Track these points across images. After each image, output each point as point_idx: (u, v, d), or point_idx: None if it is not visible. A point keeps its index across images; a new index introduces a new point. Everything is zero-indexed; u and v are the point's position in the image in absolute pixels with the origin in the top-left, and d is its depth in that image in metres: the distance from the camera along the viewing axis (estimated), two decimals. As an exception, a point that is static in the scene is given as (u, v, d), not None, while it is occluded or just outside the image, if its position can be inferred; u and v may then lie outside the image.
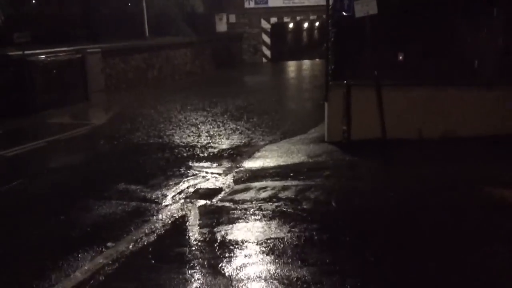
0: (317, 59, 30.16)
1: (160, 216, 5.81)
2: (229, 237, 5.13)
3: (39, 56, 13.14)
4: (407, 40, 7.93)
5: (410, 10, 7.77)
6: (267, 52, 28.61)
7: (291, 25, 32.86)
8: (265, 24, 28.19)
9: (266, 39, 28.45)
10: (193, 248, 4.92)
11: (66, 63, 13.85)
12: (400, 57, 8.09)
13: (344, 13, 8.68)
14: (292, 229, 5.21)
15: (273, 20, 28.27)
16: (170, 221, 5.65)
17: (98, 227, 5.59)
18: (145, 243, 5.09)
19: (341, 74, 8.29)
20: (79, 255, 4.86)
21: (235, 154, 8.59)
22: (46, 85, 12.97)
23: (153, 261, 4.70)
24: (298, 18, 29.51)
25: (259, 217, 5.58)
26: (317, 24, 36.30)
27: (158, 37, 20.01)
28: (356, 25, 7.94)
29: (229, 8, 27.17)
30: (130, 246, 5.01)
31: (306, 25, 36.05)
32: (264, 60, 28.49)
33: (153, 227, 5.50)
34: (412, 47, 7.93)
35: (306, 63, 28.99)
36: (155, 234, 5.30)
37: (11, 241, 5.40)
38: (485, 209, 5.60)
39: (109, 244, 5.08)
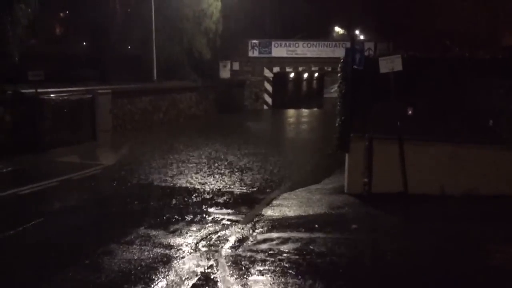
0: (315, 108, 30.69)
1: (187, 265, 5.64)
2: (265, 290, 4.98)
3: (51, 95, 13.18)
4: (430, 98, 8.07)
5: (435, 71, 7.98)
6: (269, 100, 29.05)
7: (292, 75, 33.59)
8: (267, 73, 28.78)
9: (268, 87, 28.97)
10: (229, 301, 4.76)
11: (77, 103, 13.87)
12: (414, 112, 8.18)
13: (356, 67, 8.85)
14: (328, 285, 5.08)
15: (276, 69, 28.91)
16: (199, 271, 5.48)
17: (125, 273, 5.40)
18: (177, 293, 4.93)
19: (360, 126, 8.33)
20: (110, 304, 4.67)
21: (252, 201, 8.52)
22: (56, 124, 12.92)
23: (189, 314, 4.52)
24: (300, 68, 30.21)
25: (292, 271, 5.42)
26: (316, 74, 37.14)
27: (165, 81, 20.25)
28: (376, 79, 8.10)
29: (234, 56, 27.78)
30: (162, 296, 4.84)
31: (306, 75, 36.88)
32: (265, 107, 28.89)
33: (181, 276, 5.33)
34: (435, 105, 8.05)
35: (305, 111, 29.41)
36: (186, 285, 5.13)
37: None
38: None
39: (140, 293, 4.90)
